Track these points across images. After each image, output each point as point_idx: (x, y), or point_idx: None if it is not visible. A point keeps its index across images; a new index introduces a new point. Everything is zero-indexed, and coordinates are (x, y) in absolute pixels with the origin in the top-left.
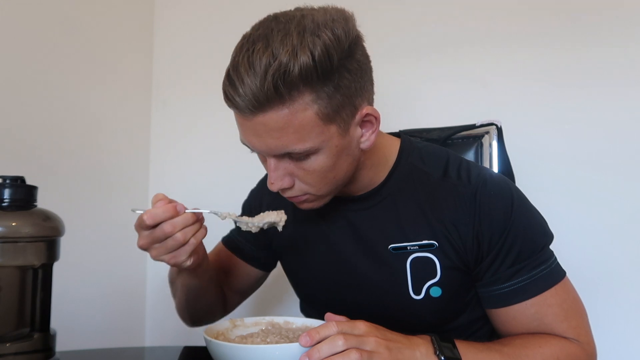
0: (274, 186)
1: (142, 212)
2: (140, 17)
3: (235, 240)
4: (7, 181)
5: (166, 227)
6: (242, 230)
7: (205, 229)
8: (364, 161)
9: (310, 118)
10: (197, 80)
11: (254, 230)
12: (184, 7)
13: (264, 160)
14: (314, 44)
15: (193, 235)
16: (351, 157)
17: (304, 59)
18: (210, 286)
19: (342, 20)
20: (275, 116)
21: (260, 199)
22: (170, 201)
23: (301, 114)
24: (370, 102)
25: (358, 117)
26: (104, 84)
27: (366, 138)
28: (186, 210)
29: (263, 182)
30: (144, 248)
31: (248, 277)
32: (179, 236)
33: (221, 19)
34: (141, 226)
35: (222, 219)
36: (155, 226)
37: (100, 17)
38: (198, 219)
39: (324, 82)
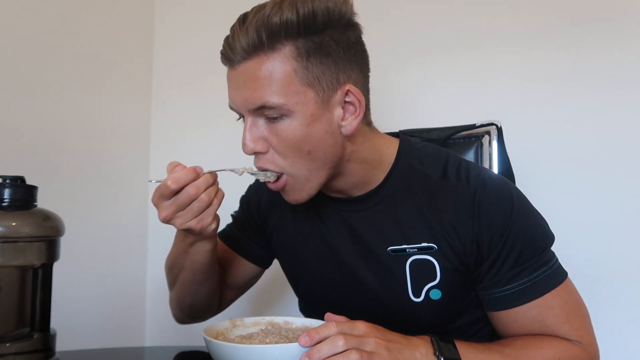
0: (247, 147)
1: (160, 181)
2: (141, 17)
3: (232, 234)
4: (7, 181)
5: (190, 190)
6: (240, 226)
7: (222, 190)
8: (353, 152)
9: (288, 73)
10: (197, 80)
11: (272, 179)
12: (184, 7)
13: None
14: (303, 3)
15: (215, 195)
16: (332, 139)
17: (288, 11)
18: (216, 268)
19: (342, 3)
20: (255, 65)
21: (259, 194)
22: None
23: (279, 66)
24: (358, 86)
25: (340, 93)
26: (104, 84)
27: (347, 122)
28: (204, 172)
29: None
30: (168, 219)
31: (244, 273)
32: (204, 197)
33: (221, 19)
34: (163, 195)
35: (240, 175)
36: (177, 192)
37: (101, 17)
38: (216, 179)
39: (305, 39)
